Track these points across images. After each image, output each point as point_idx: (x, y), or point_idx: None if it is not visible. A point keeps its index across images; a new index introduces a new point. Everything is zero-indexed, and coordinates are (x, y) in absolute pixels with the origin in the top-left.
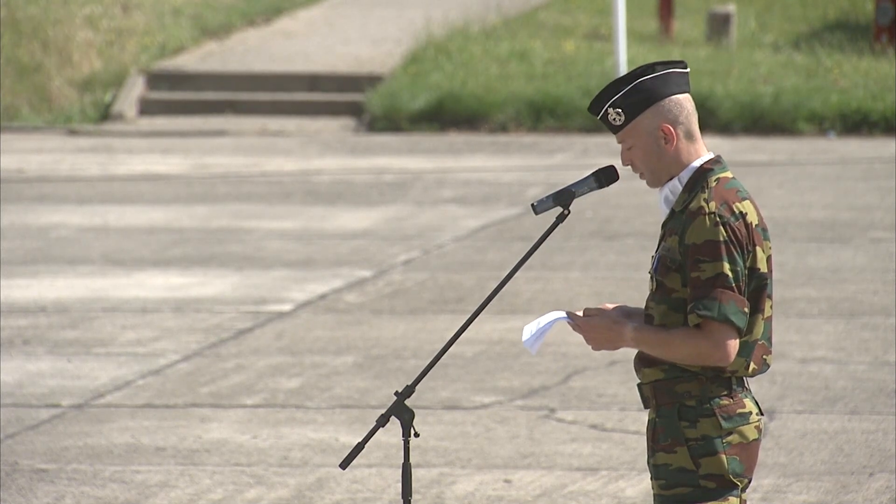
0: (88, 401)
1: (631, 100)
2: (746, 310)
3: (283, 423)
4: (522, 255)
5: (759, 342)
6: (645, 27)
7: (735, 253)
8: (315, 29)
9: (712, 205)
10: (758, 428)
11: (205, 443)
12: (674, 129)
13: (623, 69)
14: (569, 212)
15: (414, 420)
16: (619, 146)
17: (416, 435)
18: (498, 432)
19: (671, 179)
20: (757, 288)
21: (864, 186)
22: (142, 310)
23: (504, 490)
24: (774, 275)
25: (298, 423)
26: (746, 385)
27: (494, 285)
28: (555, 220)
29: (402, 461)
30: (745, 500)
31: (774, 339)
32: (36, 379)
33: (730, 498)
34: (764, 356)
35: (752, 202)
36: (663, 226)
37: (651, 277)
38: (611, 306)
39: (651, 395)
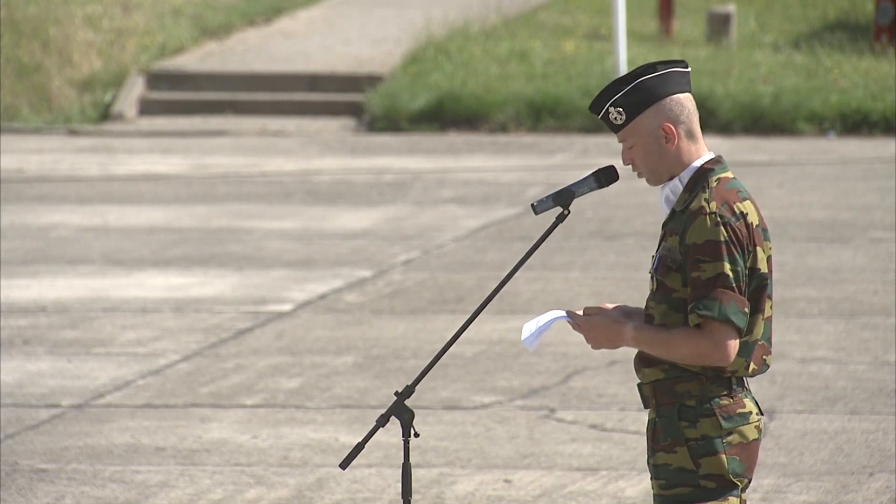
0: (88, 401)
1: (632, 99)
2: (747, 310)
3: (283, 423)
4: (522, 255)
5: (759, 342)
6: (645, 27)
7: (736, 253)
8: (315, 29)
9: (713, 205)
10: (758, 428)
11: (205, 443)
12: (675, 128)
13: (623, 69)
14: (569, 212)
15: (414, 420)
16: (620, 146)
17: (416, 435)
18: (498, 432)
19: (672, 179)
20: (757, 288)
21: (864, 186)
22: (142, 310)
23: (504, 490)
24: (774, 275)
25: (298, 423)
26: (746, 385)
27: (494, 285)
28: (555, 220)
29: (402, 461)
30: (745, 500)
31: (774, 339)
32: (36, 379)
33: (730, 498)
34: (764, 356)
35: (752, 202)
36: (664, 226)
37: (651, 277)
38: (611, 306)
39: (651, 395)
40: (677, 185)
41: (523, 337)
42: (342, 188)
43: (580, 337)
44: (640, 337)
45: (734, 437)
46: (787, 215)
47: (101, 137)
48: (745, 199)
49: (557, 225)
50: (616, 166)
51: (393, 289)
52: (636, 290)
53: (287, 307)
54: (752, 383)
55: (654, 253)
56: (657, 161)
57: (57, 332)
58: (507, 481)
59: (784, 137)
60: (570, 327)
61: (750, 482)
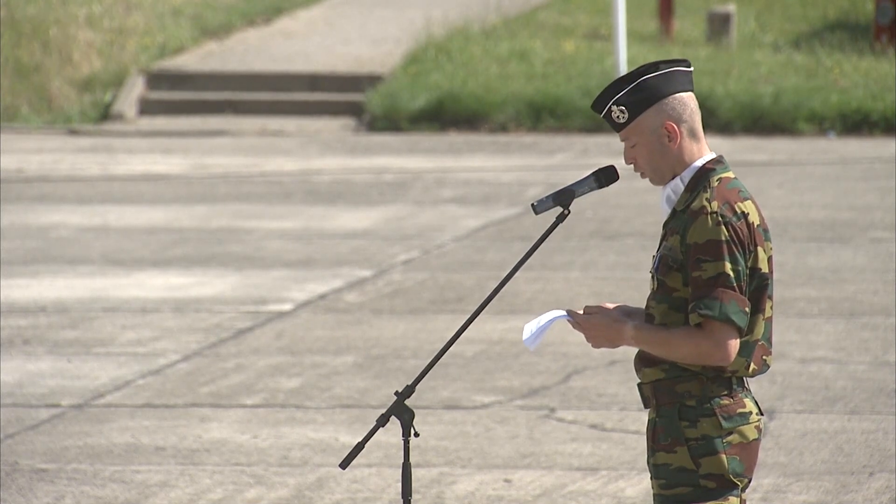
0: (88, 401)
1: (635, 97)
2: (747, 309)
3: (283, 422)
4: (522, 255)
5: (760, 342)
6: (645, 27)
7: (737, 253)
8: (315, 29)
9: (714, 204)
10: (758, 428)
11: (205, 443)
12: (678, 126)
13: (623, 69)
14: (569, 212)
15: (414, 420)
16: (620, 146)
17: (416, 435)
18: (498, 432)
19: (674, 178)
20: (758, 288)
21: (864, 186)
22: (142, 310)
23: (504, 490)
24: (774, 275)
25: (298, 422)
26: (746, 385)
27: (494, 285)
28: (555, 220)
29: (402, 461)
30: (745, 500)
31: (774, 339)
32: (36, 379)
33: (730, 498)
34: (764, 356)
35: (753, 202)
36: (665, 225)
37: (652, 277)
38: (611, 306)
39: (651, 394)
40: (679, 185)
41: (524, 337)
42: (342, 188)
43: (580, 336)
44: (640, 336)
45: (734, 437)
46: (787, 215)
47: (101, 137)
48: (746, 199)
49: (557, 225)
50: (616, 166)
51: (393, 289)
52: (636, 290)
53: (287, 307)
54: (752, 383)
55: (654, 253)
56: (659, 160)
57: (57, 332)
58: (507, 481)
59: (784, 137)
60: (571, 327)
61: (750, 482)
